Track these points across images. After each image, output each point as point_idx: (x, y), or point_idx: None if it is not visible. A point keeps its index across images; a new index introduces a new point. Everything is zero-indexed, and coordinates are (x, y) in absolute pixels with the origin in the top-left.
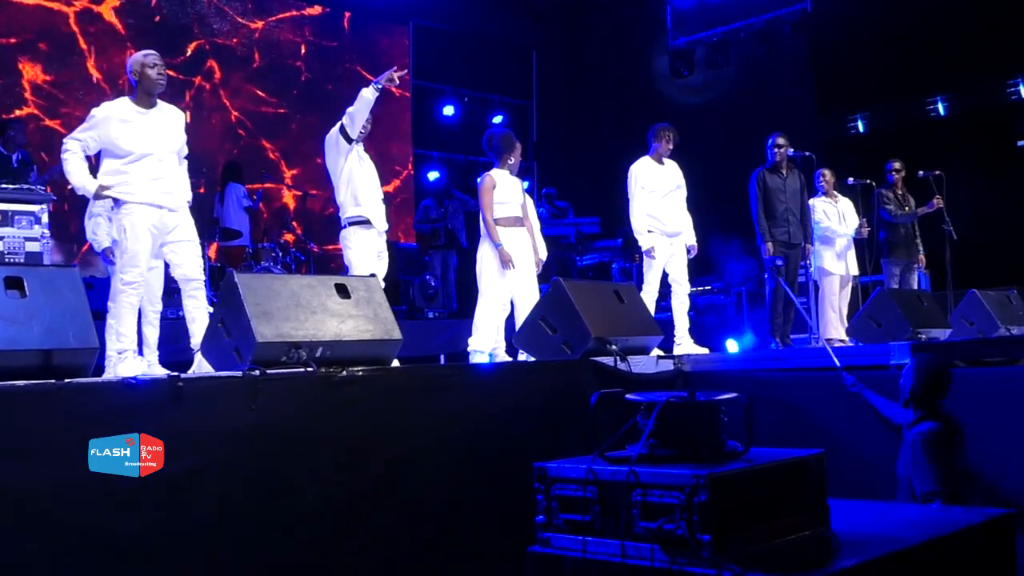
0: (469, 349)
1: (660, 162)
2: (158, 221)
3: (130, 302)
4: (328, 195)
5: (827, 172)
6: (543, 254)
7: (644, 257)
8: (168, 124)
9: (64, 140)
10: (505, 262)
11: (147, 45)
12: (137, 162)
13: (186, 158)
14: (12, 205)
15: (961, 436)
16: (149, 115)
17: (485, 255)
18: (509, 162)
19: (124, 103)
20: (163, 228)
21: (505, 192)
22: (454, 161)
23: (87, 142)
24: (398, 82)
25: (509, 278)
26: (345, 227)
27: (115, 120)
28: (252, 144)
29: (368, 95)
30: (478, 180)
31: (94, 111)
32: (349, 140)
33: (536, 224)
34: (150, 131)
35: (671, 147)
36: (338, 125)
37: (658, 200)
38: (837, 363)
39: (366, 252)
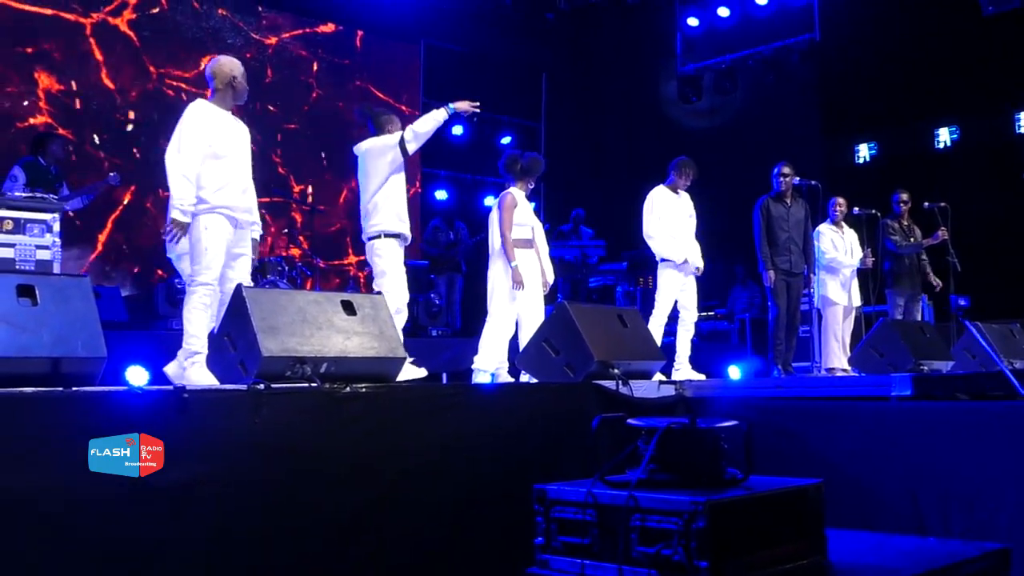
0: (473, 367)
1: (676, 192)
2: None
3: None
4: (334, 210)
5: (842, 201)
6: (550, 277)
7: (662, 270)
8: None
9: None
10: (518, 282)
11: (162, 58)
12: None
13: None
14: (24, 213)
15: None
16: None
17: (498, 275)
18: (529, 185)
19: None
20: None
21: (521, 214)
22: (462, 180)
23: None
24: (470, 111)
25: (518, 299)
26: (379, 237)
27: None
28: (261, 158)
29: (440, 116)
30: (499, 198)
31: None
32: (406, 155)
33: (544, 247)
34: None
35: (688, 183)
36: (391, 136)
37: (672, 231)
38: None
39: (400, 262)
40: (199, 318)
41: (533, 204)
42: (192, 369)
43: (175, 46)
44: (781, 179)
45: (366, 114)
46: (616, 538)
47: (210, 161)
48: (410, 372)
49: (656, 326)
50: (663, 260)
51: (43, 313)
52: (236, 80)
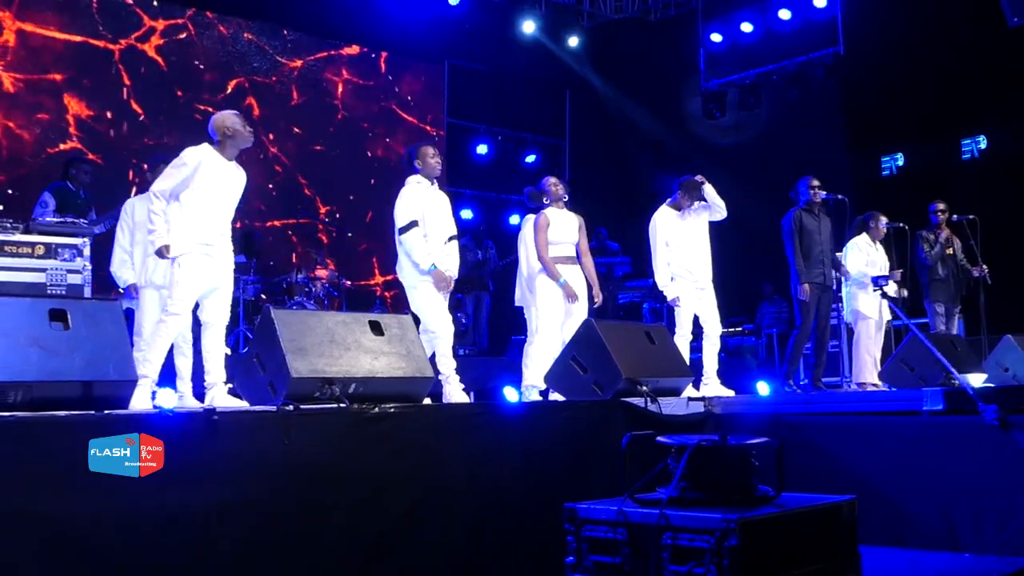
0: (524, 386)
1: (680, 210)
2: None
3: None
4: (360, 231)
5: (883, 218)
6: (598, 298)
7: (672, 305)
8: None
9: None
10: (571, 297)
11: (189, 82)
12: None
13: None
14: (56, 238)
15: None
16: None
17: (543, 292)
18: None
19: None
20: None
21: (558, 231)
22: (487, 199)
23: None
24: None
25: (559, 315)
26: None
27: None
28: (288, 180)
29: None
30: (533, 220)
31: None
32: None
33: (591, 266)
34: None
35: (692, 202)
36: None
37: (682, 249)
38: None
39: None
40: (159, 345)
41: (579, 220)
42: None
43: (202, 71)
44: (812, 191)
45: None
46: (647, 557)
47: (193, 202)
48: (457, 395)
49: (683, 342)
50: (672, 278)
51: (75, 337)
52: (231, 129)
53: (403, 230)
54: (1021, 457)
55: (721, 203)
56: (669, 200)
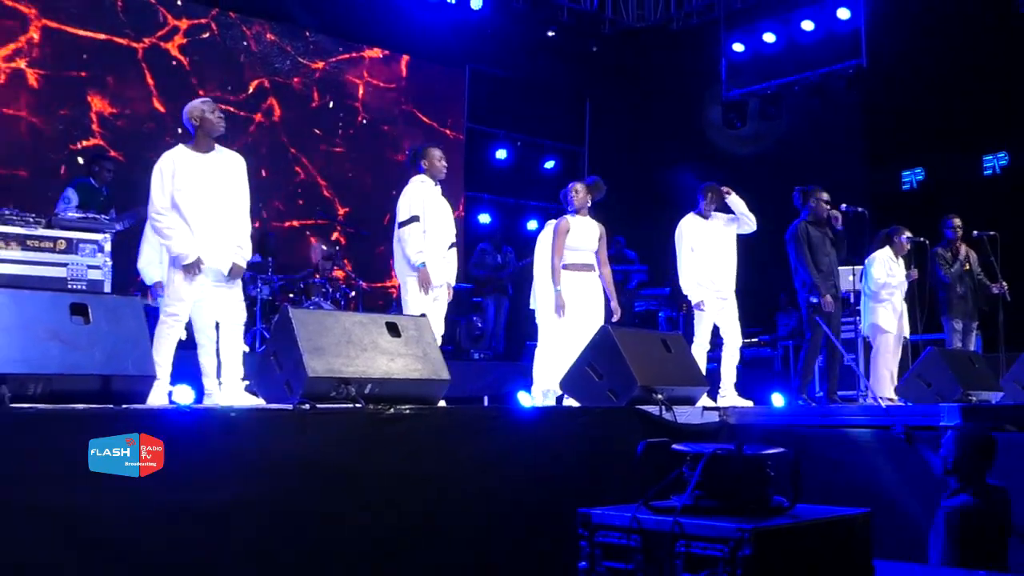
0: (534, 391)
1: (706, 218)
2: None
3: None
4: (378, 232)
5: (906, 232)
6: (617, 312)
7: (694, 310)
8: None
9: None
10: (559, 307)
11: (211, 81)
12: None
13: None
14: (78, 233)
15: (1007, 509)
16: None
17: (546, 298)
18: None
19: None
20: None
21: (578, 238)
22: (504, 204)
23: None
24: None
25: (572, 322)
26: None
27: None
28: (307, 181)
29: None
30: (554, 224)
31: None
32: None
33: (610, 276)
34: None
35: (715, 206)
36: None
37: (706, 258)
38: None
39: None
40: (163, 348)
41: (601, 229)
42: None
43: (224, 70)
44: (818, 204)
45: (418, 154)
46: (660, 564)
47: (181, 203)
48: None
49: (700, 351)
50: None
51: (95, 331)
52: (198, 118)
53: (403, 224)
54: None
55: (750, 215)
56: (695, 209)
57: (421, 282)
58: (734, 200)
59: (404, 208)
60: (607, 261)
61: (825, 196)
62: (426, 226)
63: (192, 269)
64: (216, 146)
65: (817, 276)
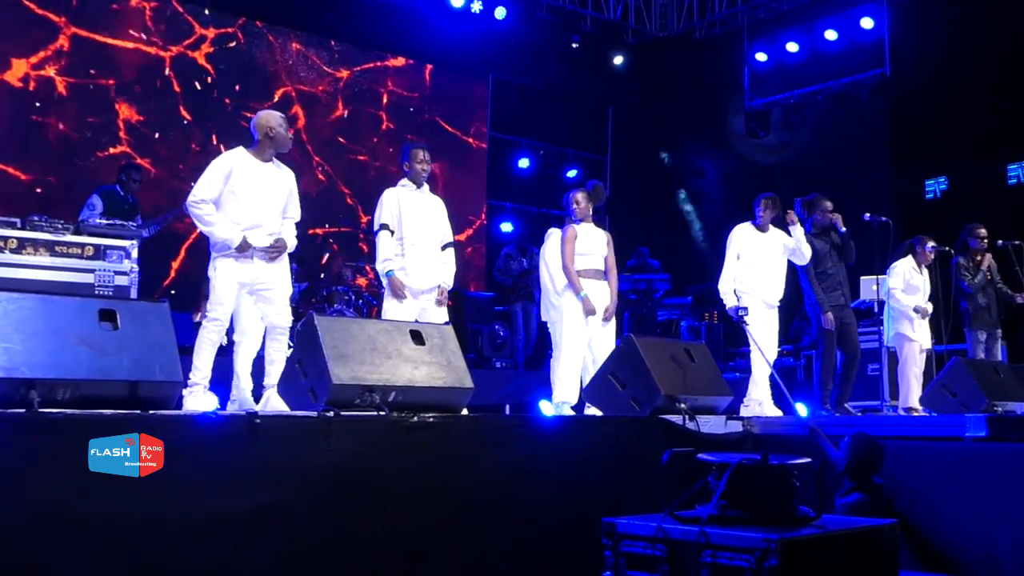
0: (555, 402)
1: (764, 230)
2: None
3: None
4: None
5: (930, 242)
6: (611, 318)
7: (744, 328)
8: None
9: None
10: (589, 311)
11: (237, 91)
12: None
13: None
14: (105, 240)
15: (892, 499)
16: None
17: (566, 306)
18: (589, 216)
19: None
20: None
21: (586, 244)
22: (527, 213)
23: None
24: None
25: (585, 329)
26: None
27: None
28: (331, 189)
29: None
30: (562, 231)
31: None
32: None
33: (615, 283)
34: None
35: (771, 218)
36: None
37: (754, 267)
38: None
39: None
40: (203, 351)
41: (607, 236)
42: (190, 399)
43: (250, 79)
44: (829, 215)
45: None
46: (686, 574)
47: (230, 206)
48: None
49: (758, 369)
50: (737, 294)
51: (123, 337)
52: (273, 130)
53: (375, 232)
54: None
55: (806, 248)
56: (753, 221)
57: (392, 291)
58: (797, 231)
59: (376, 215)
60: (615, 268)
61: (829, 205)
62: (403, 232)
63: (243, 249)
64: (275, 159)
65: (820, 293)
